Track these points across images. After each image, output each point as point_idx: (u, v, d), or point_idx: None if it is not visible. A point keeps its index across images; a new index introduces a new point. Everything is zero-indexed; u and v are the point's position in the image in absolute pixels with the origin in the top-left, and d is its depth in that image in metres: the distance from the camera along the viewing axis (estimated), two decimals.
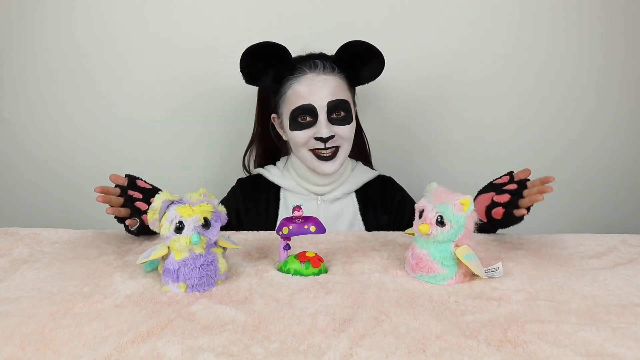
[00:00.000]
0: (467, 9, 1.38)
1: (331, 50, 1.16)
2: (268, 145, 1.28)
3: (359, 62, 1.13)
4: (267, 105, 1.23)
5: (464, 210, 0.75)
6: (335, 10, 1.38)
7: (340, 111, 1.11)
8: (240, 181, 1.25)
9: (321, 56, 1.16)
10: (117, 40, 1.41)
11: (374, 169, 1.27)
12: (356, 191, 1.21)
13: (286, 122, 1.14)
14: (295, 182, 1.19)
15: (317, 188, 1.18)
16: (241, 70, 1.11)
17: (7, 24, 1.41)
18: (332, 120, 1.11)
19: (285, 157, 1.25)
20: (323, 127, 1.09)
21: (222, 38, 1.39)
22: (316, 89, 1.10)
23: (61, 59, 1.42)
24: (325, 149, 1.11)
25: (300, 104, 1.10)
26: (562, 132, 1.44)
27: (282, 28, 1.35)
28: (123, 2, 1.39)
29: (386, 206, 1.20)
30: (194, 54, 1.40)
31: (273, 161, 1.28)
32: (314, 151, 1.12)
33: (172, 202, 0.74)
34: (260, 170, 1.24)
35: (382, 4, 1.37)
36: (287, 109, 1.13)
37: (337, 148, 1.12)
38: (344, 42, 1.12)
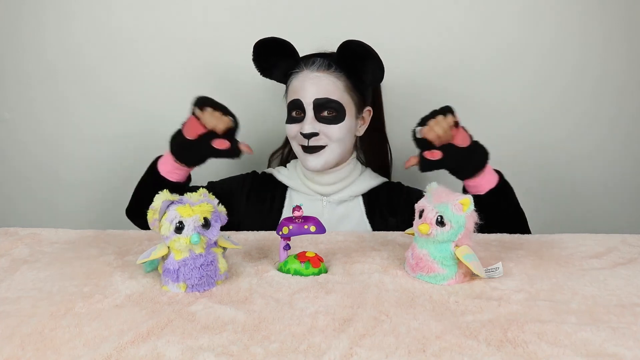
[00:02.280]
0: (467, 4, 1.38)
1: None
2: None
3: (357, 62, 1.12)
4: None
5: (464, 210, 0.75)
6: (338, 6, 1.38)
7: (331, 110, 1.12)
8: (254, 173, 1.28)
9: (326, 55, 1.16)
10: (119, 38, 1.41)
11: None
12: (363, 195, 1.21)
13: (286, 115, 1.18)
14: (301, 181, 1.20)
15: (321, 188, 1.19)
16: (253, 62, 1.16)
17: (8, 23, 1.41)
18: (321, 119, 1.12)
19: (295, 159, 1.25)
20: (307, 123, 1.12)
21: (227, 34, 1.39)
22: (306, 86, 1.12)
23: (62, 57, 1.42)
24: (308, 145, 1.13)
25: (291, 99, 1.14)
26: (561, 130, 1.44)
27: (286, 24, 1.36)
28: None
29: (393, 208, 1.20)
30: (198, 50, 1.40)
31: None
32: (301, 145, 1.14)
33: (172, 202, 0.74)
34: (271, 170, 1.26)
35: None
36: (286, 102, 1.17)
37: (322, 147, 1.13)
38: (347, 38, 1.12)
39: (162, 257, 0.76)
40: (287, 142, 1.31)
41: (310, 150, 1.13)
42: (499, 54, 1.40)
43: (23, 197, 1.50)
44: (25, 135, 1.47)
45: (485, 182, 1.05)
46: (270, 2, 1.39)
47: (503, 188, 1.07)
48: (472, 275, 0.79)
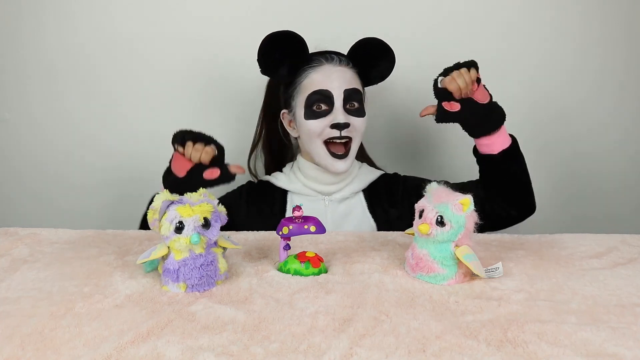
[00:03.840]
0: (467, 3, 1.39)
1: (338, 46, 1.17)
2: (274, 147, 1.28)
3: (372, 59, 1.15)
4: (275, 103, 1.24)
5: (464, 210, 0.75)
6: (338, 5, 1.39)
7: (354, 102, 1.13)
8: (249, 183, 1.26)
9: (336, 52, 1.17)
10: (119, 39, 1.40)
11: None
12: (363, 190, 1.21)
13: (300, 112, 1.14)
14: (302, 183, 1.19)
15: (325, 187, 1.18)
16: (258, 58, 1.11)
17: (8, 23, 1.41)
18: (347, 111, 1.12)
19: (291, 162, 1.25)
20: (340, 113, 1.11)
21: (227, 34, 1.39)
22: (333, 78, 1.12)
23: (63, 57, 1.42)
24: (341, 137, 1.11)
25: (317, 89, 1.12)
26: (561, 130, 1.44)
27: (287, 23, 1.36)
28: None
29: (393, 199, 1.20)
30: (199, 50, 1.40)
31: (282, 163, 1.28)
32: (327, 144, 1.12)
33: (172, 202, 0.74)
34: (267, 177, 1.24)
35: None
36: (302, 97, 1.14)
37: (349, 140, 1.13)
38: (348, 35, 1.13)
39: (162, 257, 0.76)
40: (256, 144, 1.28)
41: (339, 156, 1.12)
42: (499, 54, 1.40)
43: (23, 197, 1.50)
44: (25, 135, 1.46)
45: (499, 141, 1.06)
46: (272, 1, 1.39)
47: (515, 151, 1.08)
48: (472, 275, 0.79)
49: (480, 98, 1.03)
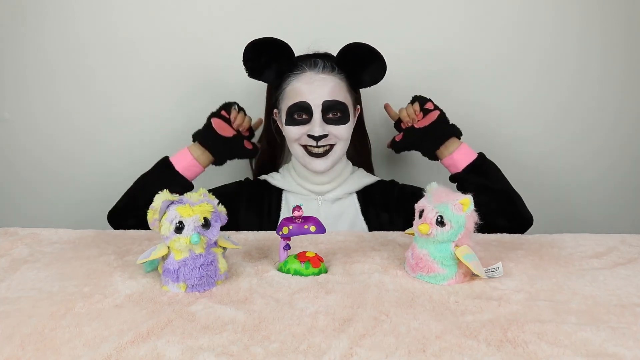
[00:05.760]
0: (467, 4, 1.38)
1: (333, 49, 1.16)
2: (271, 143, 1.29)
3: (360, 64, 1.13)
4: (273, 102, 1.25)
5: (464, 210, 0.75)
6: (335, 6, 1.38)
7: (336, 112, 1.12)
8: (247, 179, 1.29)
9: (323, 56, 1.16)
10: (119, 40, 1.40)
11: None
12: (357, 192, 1.21)
13: (283, 118, 1.15)
14: (296, 182, 1.20)
15: (316, 187, 1.19)
16: (244, 63, 1.13)
17: (8, 23, 1.41)
18: (327, 120, 1.12)
19: (287, 163, 1.26)
20: (316, 125, 1.11)
21: (225, 34, 1.39)
22: (313, 88, 1.11)
23: (62, 58, 1.42)
24: (317, 146, 1.12)
25: (296, 101, 1.12)
26: (562, 130, 1.44)
27: (284, 23, 1.36)
28: (125, 0, 1.39)
29: (387, 204, 1.20)
30: (196, 51, 1.40)
31: (274, 159, 1.31)
32: (305, 147, 1.13)
33: (172, 202, 0.74)
34: (264, 177, 1.25)
35: None
36: (285, 105, 1.15)
37: (331, 146, 1.13)
38: (344, 40, 1.12)
39: (162, 257, 0.76)
40: (260, 139, 1.30)
41: (317, 155, 1.13)
42: (499, 57, 1.40)
43: (23, 197, 1.50)
44: (25, 135, 1.46)
45: (461, 159, 1.14)
46: (271, 2, 1.39)
47: (482, 165, 1.13)
48: (472, 275, 0.79)
49: (421, 124, 1.19)
